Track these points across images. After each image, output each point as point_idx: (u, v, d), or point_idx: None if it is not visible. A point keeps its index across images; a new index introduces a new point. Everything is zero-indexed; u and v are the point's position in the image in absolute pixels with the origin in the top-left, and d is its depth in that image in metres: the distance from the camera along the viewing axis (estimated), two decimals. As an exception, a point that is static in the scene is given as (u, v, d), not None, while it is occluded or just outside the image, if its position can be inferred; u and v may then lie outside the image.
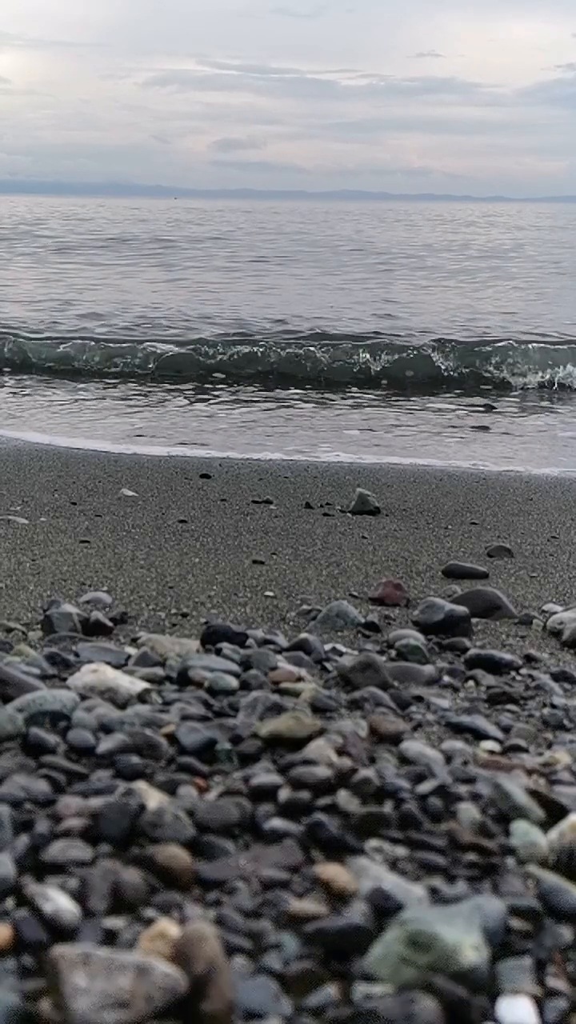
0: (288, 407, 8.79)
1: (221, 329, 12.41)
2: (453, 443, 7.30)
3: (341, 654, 2.25)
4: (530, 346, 11.00)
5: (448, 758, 1.58)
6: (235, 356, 10.83)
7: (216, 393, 9.51)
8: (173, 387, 9.83)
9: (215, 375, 10.47)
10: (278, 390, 9.74)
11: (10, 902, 1.09)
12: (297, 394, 9.53)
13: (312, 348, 10.93)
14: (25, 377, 10.19)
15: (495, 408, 9.07)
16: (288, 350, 10.94)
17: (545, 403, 9.50)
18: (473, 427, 8.00)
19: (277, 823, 1.30)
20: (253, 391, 9.71)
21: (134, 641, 2.30)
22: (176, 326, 12.72)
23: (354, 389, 9.87)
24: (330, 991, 0.98)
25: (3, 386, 9.64)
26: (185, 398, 9.18)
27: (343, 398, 9.38)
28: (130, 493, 4.96)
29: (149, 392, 9.51)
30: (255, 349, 10.95)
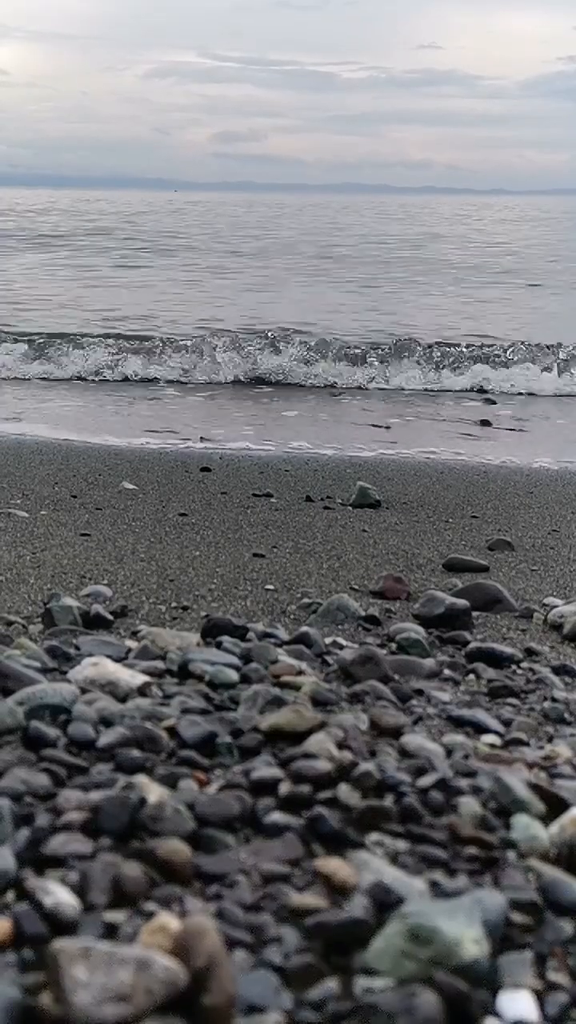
0: (287, 402, 8.78)
1: (219, 326, 12.39)
2: (454, 437, 7.29)
3: (342, 647, 2.25)
4: (531, 343, 10.98)
5: (449, 752, 1.58)
6: (234, 353, 10.80)
7: (216, 390, 9.50)
8: (172, 382, 9.81)
9: (214, 371, 10.45)
10: (277, 385, 9.73)
11: (10, 895, 1.09)
12: (296, 390, 9.52)
13: (311, 344, 10.91)
14: (20, 373, 10.16)
15: (496, 402, 9.06)
16: (287, 344, 10.91)
17: (546, 397, 9.49)
18: (474, 421, 8.00)
19: (277, 817, 1.30)
20: (253, 386, 9.70)
21: (134, 634, 2.30)
22: (175, 323, 12.70)
23: (354, 385, 9.85)
24: (331, 985, 0.98)
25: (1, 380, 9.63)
26: (184, 393, 9.16)
27: (342, 393, 9.37)
28: (130, 486, 4.95)
29: (148, 388, 9.49)
30: (253, 344, 10.92)
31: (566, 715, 1.87)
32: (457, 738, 1.65)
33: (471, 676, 2.12)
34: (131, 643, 2.17)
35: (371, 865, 1.19)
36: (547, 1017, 0.97)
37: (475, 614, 2.72)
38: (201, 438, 6.72)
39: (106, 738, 1.49)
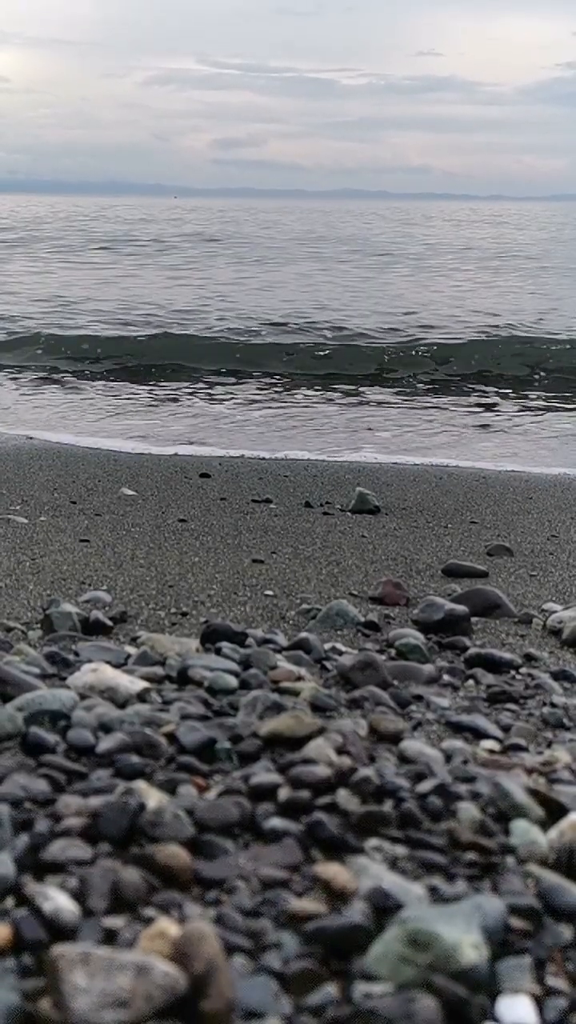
0: (287, 406, 8.78)
1: (219, 326, 12.40)
2: (453, 442, 7.30)
3: (341, 653, 2.25)
4: (532, 343, 10.99)
5: (448, 757, 1.58)
6: (233, 351, 10.82)
7: (215, 392, 9.51)
8: (171, 384, 9.82)
9: (213, 372, 10.46)
10: (277, 388, 9.74)
11: (10, 901, 1.09)
12: (296, 392, 9.53)
13: (312, 346, 10.92)
14: (20, 374, 10.18)
15: (495, 406, 9.07)
16: (288, 346, 10.93)
17: (545, 401, 9.49)
18: (473, 425, 8.00)
19: (277, 822, 1.30)
20: (253, 389, 9.71)
21: (134, 640, 2.30)
22: (175, 323, 12.72)
23: (354, 387, 9.86)
24: (330, 990, 0.98)
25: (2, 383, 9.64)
26: (184, 396, 9.18)
27: (342, 396, 9.38)
28: (130, 492, 4.96)
29: (149, 390, 9.50)
30: (253, 344, 10.94)
31: (565, 720, 1.87)
32: (456, 743, 1.65)
33: (470, 681, 2.12)
34: (130, 649, 2.17)
35: (370, 870, 1.19)
36: (546, 1022, 0.97)
37: (474, 620, 2.73)
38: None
39: (105, 744, 1.50)
